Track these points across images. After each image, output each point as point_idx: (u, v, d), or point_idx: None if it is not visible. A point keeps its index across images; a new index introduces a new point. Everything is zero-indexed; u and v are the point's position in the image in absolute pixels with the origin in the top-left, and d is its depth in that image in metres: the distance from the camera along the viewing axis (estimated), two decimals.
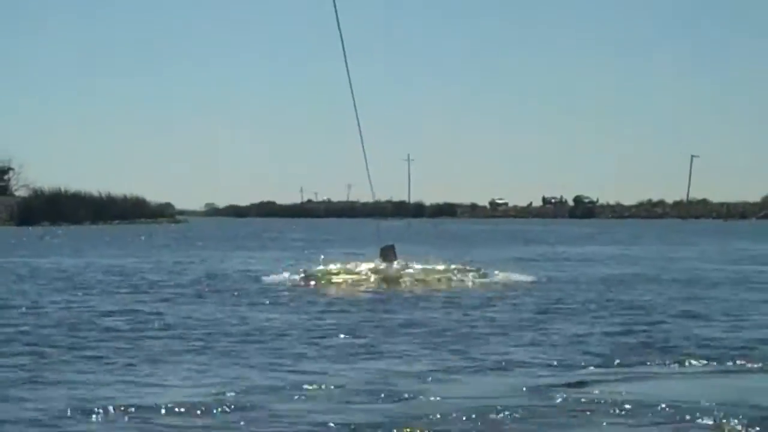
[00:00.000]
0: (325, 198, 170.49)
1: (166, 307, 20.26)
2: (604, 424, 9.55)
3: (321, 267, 27.67)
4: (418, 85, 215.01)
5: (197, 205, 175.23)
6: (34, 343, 14.86)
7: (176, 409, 10.01)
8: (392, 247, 28.61)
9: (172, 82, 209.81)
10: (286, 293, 23.17)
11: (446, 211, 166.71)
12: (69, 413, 9.90)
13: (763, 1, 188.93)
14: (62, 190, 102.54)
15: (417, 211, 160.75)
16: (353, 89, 20.99)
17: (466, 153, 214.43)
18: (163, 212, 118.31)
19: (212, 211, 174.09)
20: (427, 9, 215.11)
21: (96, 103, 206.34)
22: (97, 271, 31.85)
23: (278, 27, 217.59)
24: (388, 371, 12.26)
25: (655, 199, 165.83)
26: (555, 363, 13.02)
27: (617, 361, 13.16)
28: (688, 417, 9.69)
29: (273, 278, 26.90)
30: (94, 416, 9.79)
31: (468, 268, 27.83)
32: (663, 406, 10.09)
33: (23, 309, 19.81)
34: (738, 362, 13.13)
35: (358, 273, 26.70)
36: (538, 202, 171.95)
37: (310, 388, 11.10)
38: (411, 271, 26.79)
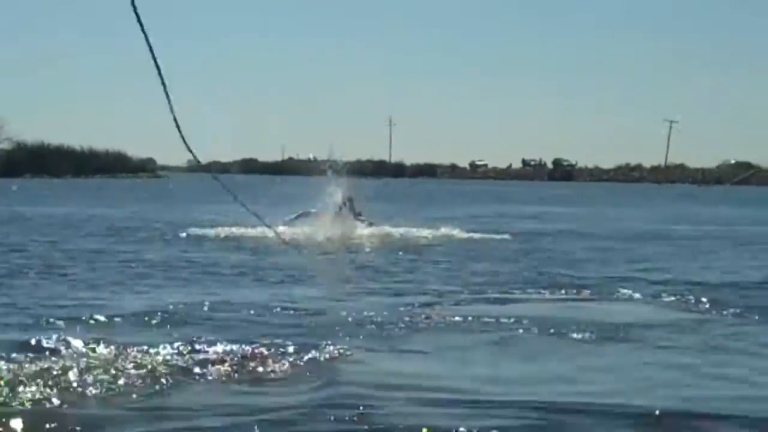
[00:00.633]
0: (311, 156, 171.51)
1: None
2: (438, 334, 11.78)
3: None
4: (401, 45, 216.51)
5: (180, 161, 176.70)
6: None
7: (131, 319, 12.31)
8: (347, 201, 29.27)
9: (156, 37, 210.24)
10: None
11: (426, 171, 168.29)
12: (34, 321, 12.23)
13: None
14: (45, 143, 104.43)
15: (397, 171, 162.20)
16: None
17: (447, 115, 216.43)
18: (145, 167, 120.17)
19: (194, 167, 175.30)
20: None
21: (80, 56, 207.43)
22: (77, 218, 34.28)
23: None
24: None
25: (633, 163, 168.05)
26: (432, 291, 15.51)
27: (490, 290, 15.71)
28: (515, 330, 12.05)
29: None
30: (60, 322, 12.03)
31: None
32: (500, 320, 12.51)
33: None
34: (594, 293, 15.68)
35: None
36: (518, 164, 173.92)
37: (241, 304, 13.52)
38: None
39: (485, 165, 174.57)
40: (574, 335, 11.67)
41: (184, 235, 26.78)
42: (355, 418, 7.70)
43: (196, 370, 9.20)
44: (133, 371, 8.95)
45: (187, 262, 19.86)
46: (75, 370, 8.80)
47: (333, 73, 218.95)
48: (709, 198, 78.15)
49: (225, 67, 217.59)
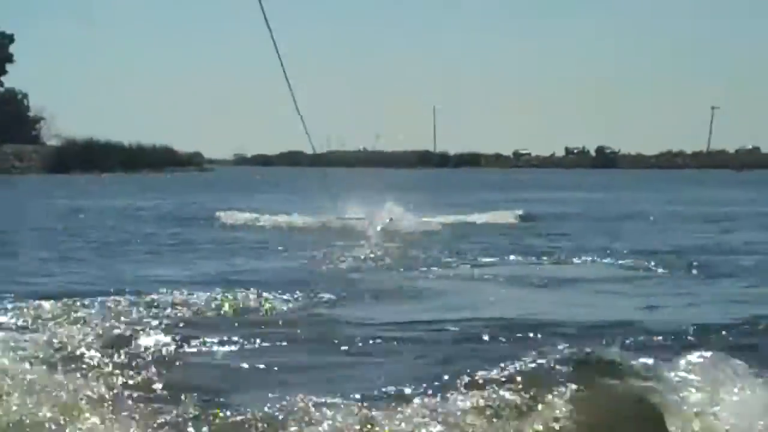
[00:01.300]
0: (360, 147, 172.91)
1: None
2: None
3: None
4: (448, 35, 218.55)
5: (226, 154, 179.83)
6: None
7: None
8: None
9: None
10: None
11: (470, 161, 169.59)
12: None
13: None
14: (93, 139, 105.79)
15: (441, 161, 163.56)
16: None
17: (492, 103, 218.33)
18: (192, 161, 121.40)
19: (240, 160, 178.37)
20: None
21: (127, 54, 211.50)
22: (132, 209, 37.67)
23: None
24: None
25: (675, 150, 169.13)
26: (401, 268, 17.75)
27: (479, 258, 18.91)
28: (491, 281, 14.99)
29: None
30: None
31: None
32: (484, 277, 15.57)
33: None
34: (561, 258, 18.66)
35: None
36: (561, 153, 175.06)
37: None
38: None
39: (528, 153, 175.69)
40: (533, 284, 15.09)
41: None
42: None
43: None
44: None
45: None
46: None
47: (377, 63, 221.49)
48: (740, 182, 79.73)
49: (268, 57, 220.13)
